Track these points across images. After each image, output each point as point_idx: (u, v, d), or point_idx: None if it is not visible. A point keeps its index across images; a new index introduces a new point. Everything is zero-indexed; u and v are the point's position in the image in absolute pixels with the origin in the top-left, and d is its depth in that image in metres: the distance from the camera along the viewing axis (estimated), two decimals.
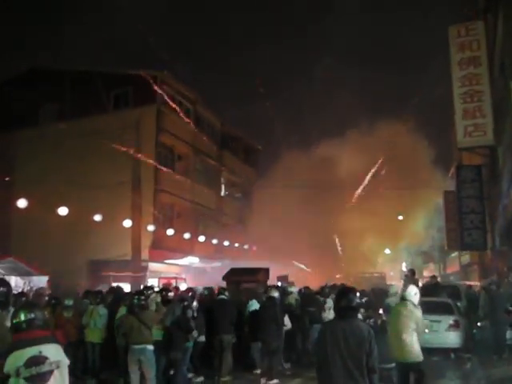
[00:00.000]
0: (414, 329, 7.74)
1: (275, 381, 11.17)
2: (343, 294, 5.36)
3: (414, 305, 7.93)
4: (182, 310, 10.39)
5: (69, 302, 11.62)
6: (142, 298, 9.38)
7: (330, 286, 15.31)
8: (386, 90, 71.63)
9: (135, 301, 9.30)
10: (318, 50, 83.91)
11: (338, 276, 27.39)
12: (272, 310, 11.65)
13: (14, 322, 4.37)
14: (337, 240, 29.73)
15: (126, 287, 20.08)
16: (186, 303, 10.64)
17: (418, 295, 8.03)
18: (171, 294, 11.58)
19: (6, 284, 5.99)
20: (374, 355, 5.06)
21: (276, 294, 12.15)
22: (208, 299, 13.02)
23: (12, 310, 5.84)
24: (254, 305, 12.53)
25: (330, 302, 13.08)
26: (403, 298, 8.15)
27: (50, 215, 20.49)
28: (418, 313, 7.88)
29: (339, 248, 29.30)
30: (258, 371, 11.74)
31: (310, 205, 28.29)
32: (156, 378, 10.28)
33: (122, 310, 10.45)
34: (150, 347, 8.78)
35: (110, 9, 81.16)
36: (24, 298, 9.32)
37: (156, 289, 13.19)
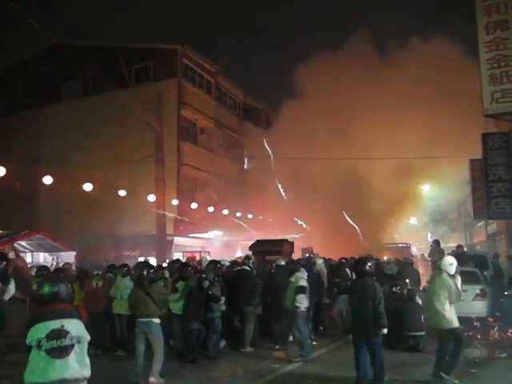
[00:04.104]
0: (446, 297, 8.06)
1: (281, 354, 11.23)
2: (360, 262, 8.56)
3: (450, 275, 8.18)
4: (196, 282, 10.49)
5: (98, 272, 11.89)
6: (152, 271, 9.47)
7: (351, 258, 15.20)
8: None
9: (144, 273, 9.43)
10: None
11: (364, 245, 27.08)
12: (282, 277, 11.66)
13: (39, 294, 4.43)
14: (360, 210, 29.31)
15: (153, 261, 20.36)
16: (202, 275, 10.74)
17: (454, 265, 8.30)
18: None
19: (5, 258, 6.05)
20: (378, 300, 7.67)
21: (283, 263, 12.29)
22: (230, 270, 13.05)
23: (12, 283, 5.93)
24: None
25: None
26: (439, 268, 8.48)
27: (75, 190, 20.69)
28: (451, 282, 8.11)
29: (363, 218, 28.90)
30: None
31: (331, 173, 27.79)
32: (179, 348, 10.45)
33: None
34: (156, 320, 8.85)
35: None
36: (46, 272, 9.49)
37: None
